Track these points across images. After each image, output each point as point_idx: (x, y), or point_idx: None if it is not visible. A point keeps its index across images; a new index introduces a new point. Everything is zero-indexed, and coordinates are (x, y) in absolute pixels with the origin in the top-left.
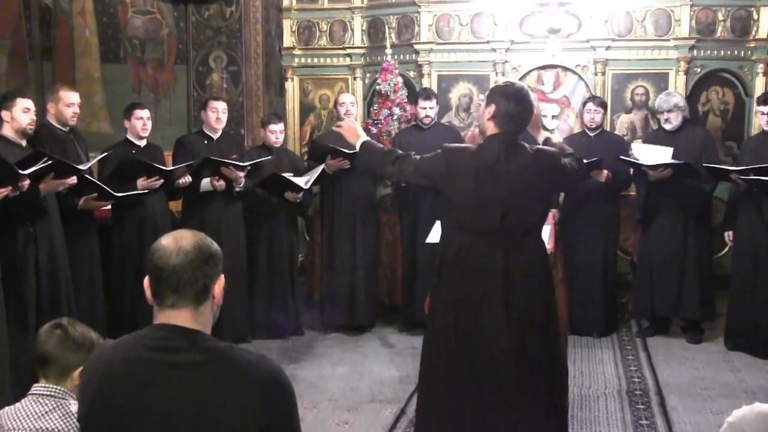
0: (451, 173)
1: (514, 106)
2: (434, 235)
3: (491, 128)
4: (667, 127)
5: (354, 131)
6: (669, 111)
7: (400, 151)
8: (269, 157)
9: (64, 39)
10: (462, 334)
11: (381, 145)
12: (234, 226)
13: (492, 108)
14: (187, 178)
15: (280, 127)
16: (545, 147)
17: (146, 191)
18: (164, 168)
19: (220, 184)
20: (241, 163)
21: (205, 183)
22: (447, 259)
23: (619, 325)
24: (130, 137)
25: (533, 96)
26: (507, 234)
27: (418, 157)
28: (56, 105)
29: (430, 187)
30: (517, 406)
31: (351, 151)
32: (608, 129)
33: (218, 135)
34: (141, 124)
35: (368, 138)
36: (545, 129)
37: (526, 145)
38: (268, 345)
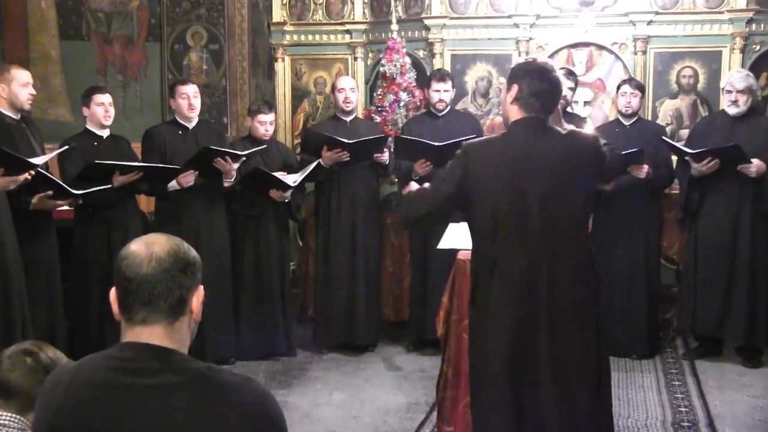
0: (475, 174)
1: (539, 84)
2: (448, 240)
3: (515, 113)
4: (732, 111)
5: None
6: (741, 91)
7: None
8: (263, 146)
9: (16, 12)
10: (514, 370)
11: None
12: (216, 230)
13: (514, 89)
14: (191, 177)
15: (270, 117)
16: (585, 132)
17: (110, 186)
18: (140, 164)
19: (187, 179)
20: (239, 152)
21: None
22: (482, 280)
23: (663, 345)
24: (90, 127)
25: (561, 74)
26: (548, 236)
27: (427, 185)
28: (8, 87)
29: (459, 198)
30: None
31: (351, 141)
32: (649, 117)
33: (194, 124)
34: (102, 111)
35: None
36: (568, 117)
37: (558, 127)
38: (255, 367)
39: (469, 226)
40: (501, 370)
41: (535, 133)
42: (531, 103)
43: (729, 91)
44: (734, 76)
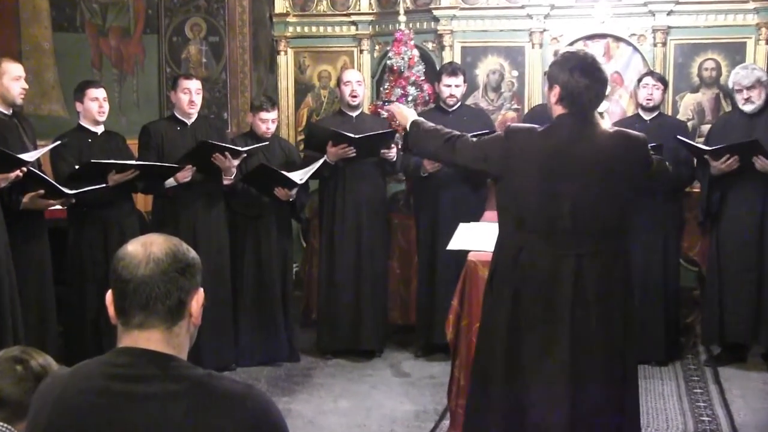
0: (513, 156)
1: (580, 79)
2: (458, 241)
3: (560, 110)
4: (747, 108)
5: (403, 114)
6: (750, 88)
7: (456, 132)
8: (265, 143)
9: (7, 2)
10: (517, 362)
11: (432, 124)
12: (215, 230)
13: (556, 90)
14: (188, 173)
15: (273, 115)
16: (631, 130)
17: (105, 185)
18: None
19: (184, 174)
20: (240, 148)
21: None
22: (503, 266)
23: (684, 351)
24: (83, 123)
25: (603, 62)
26: (579, 236)
27: (473, 139)
28: None
29: (484, 171)
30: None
31: (357, 136)
32: (669, 112)
33: (192, 120)
34: (96, 106)
35: (418, 117)
36: None
37: (605, 125)
38: (257, 373)
39: (497, 202)
40: (506, 364)
41: (580, 129)
42: (575, 101)
43: (739, 90)
44: (739, 74)
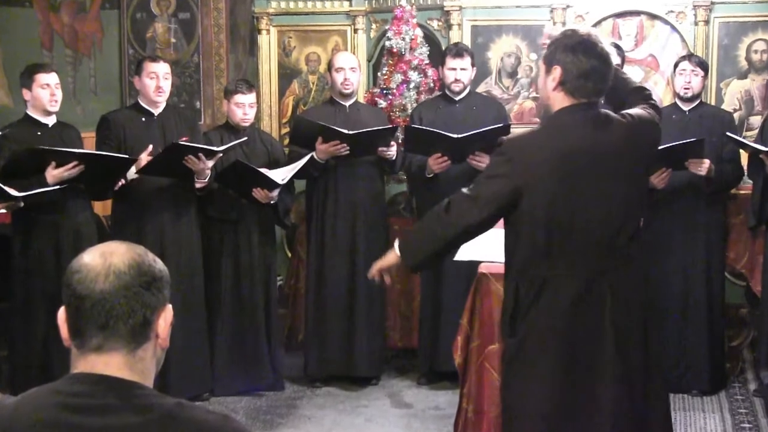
0: (522, 174)
1: (585, 60)
2: (467, 251)
3: (561, 100)
4: None
5: (386, 262)
6: None
7: (445, 201)
8: (244, 139)
9: None
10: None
11: (415, 228)
12: (186, 238)
13: (557, 72)
14: (141, 162)
15: (250, 98)
16: (641, 114)
17: (59, 186)
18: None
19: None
20: (215, 148)
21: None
22: (524, 303)
23: (731, 379)
24: (31, 113)
25: (607, 44)
26: (610, 248)
27: (465, 190)
28: None
29: (504, 212)
30: None
31: (351, 132)
32: (712, 101)
33: (160, 110)
34: (47, 94)
35: (397, 239)
36: None
37: (614, 114)
38: (234, 404)
39: (512, 239)
40: (551, 418)
41: (594, 125)
42: (580, 85)
43: None
44: None
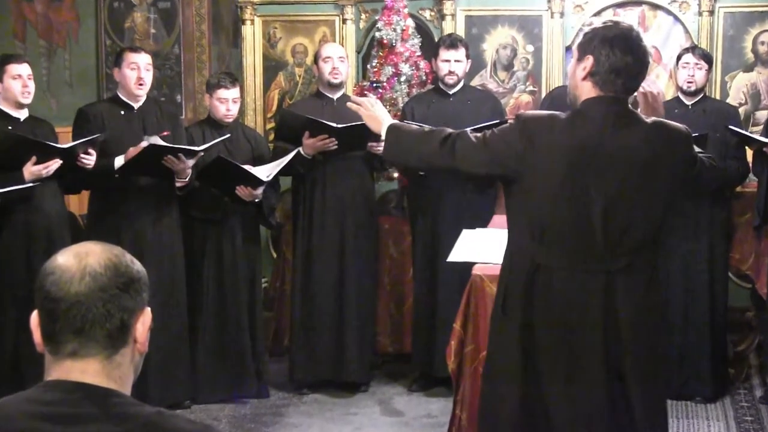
0: (531, 151)
1: (621, 56)
2: (461, 251)
3: (588, 90)
4: None
5: (374, 116)
6: None
7: (448, 129)
8: (227, 136)
9: None
10: (537, 400)
11: (416, 126)
12: (166, 238)
13: (589, 62)
14: (90, 158)
15: (234, 93)
16: (671, 122)
17: (34, 183)
18: (56, 145)
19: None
20: (196, 148)
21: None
22: (515, 286)
23: (735, 385)
24: (2, 106)
25: (647, 42)
26: (610, 249)
27: (472, 135)
28: None
29: (499, 178)
30: None
31: (340, 126)
32: (717, 95)
33: (141, 103)
34: (19, 86)
35: (396, 121)
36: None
37: (642, 115)
38: (217, 412)
39: (508, 208)
40: (521, 416)
41: (614, 119)
42: (610, 80)
43: None
44: None
